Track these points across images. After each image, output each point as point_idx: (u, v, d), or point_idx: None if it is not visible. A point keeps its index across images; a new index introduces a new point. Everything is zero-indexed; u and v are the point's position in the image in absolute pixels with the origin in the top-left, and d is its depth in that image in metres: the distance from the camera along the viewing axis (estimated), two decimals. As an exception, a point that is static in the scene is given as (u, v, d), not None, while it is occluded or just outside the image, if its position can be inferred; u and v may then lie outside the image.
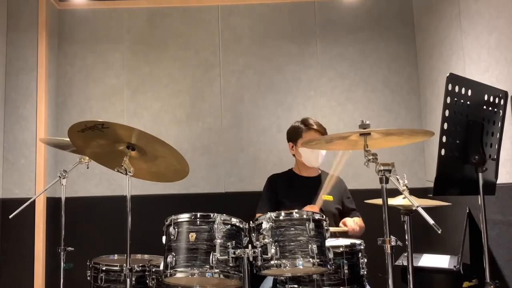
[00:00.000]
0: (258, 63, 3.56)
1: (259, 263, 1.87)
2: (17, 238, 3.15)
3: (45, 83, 3.30)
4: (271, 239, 1.87)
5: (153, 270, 2.24)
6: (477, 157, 1.75)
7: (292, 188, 2.79)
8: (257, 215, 2.17)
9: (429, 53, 3.28)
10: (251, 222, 1.98)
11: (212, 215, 1.90)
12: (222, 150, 3.49)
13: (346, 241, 2.18)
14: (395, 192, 1.88)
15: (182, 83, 3.55)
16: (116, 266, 2.31)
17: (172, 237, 1.90)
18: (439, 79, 3.12)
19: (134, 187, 2.12)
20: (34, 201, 2.78)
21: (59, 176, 2.55)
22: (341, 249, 2.06)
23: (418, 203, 1.66)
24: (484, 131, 1.80)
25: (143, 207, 3.16)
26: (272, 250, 1.85)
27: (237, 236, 1.93)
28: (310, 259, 1.84)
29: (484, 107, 1.83)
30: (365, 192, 2.41)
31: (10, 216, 2.46)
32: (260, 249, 1.87)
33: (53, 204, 3.25)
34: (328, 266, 1.90)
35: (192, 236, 1.87)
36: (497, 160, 1.88)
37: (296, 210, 1.94)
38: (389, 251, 1.76)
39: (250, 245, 1.92)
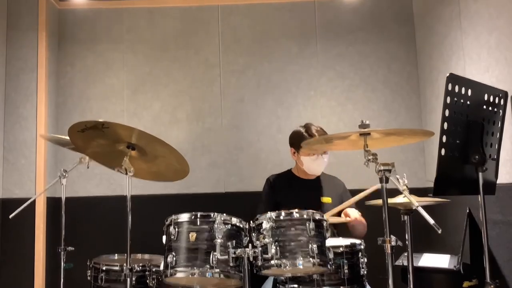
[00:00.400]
0: (258, 63, 3.56)
1: (259, 263, 1.87)
2: (17, 238, 3.15)
3: (45, 83, 3.30)
4: (271, 239, 1.87)
5: (153, 270, 2.24)
6: (477, 157, 1.75)
7: (291, 189, 2.78)
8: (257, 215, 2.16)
9: (429, 53, 3.28)
10: (251, 222, 1.98)
11: (212, 215, 1.90)
12: (222, 150, 3.49)
13: (346, 241, 2.18)
14: (395, 192, 1.89)
15: (182, 83, 3.55)
16: (116, 266, 2.31)
17: (172, 237, 1.90)
18: (439, 79, 3.12)
19: (134, 187, 2.12)
20: (34, 201, 2.77)
21: (59, 176, 2.54)
22: (341, 249, 2.06)
23: (417, 200, 1.66)
24: (484, 131, 1.80)
25: (143, 207, 3.15)
26: (272, 250, 1.85)
27: (237, 236, 1.93)
28: (310, 259, 1.84)
29: (484, 107, 1.83)
30: (365, 192, 2.43)
31: (10, 216, 2.46)
32: (260, 249, 1.87)
33: (53, 204, 3.25)
34: (328, 266, 1.90)
35: (193, 236, 1.87)
36: (497, 160, 1.89)
37: (296, 210, 1.93)
38: (389, 251, 1.76)
39: (250, 245, 1.91)
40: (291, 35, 3.57)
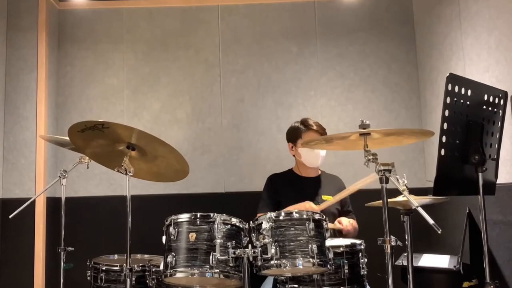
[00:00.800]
0: (258, 63, 3.56)
1: (259, 263, 1.87)
2: (17, 238, 3.15)
3: (45, 83, 3.30)
4: (271, 239, 1.87)
5: (153, 270, 2.24)
6: (477, 157, 1.74)
7: (292, 188, 2.79)
8: (258, 215, 2.17)
9: (429, 53, 3.28)
10: (251, 222, 1.98)
11: (212, 215, 1.90)
12: (222, 150, 3.49)
13: (346, 241, 2.18)
14: (395, 192, 1.88)
15: (182, 83, 3.55)
16: (116, 266, 2.31)
17: (172, 237, 1.91)
18: (439, 79, 3.12)
19: (134, 187, 2.12)
20: (34, 201, 2.78)
21: (59, 176, 2.55)
22: (341, 249, 2.06)
23: (417, 199, 1.66)
24: (484, 131, 1.80)
25: (143, 207, 3.16)
26: (272, 250, 1.85)
27: (237, 236, 1.94)
28: (310, 259, 1.84)
29: (484, 107, 1.83)
30: (365, 192, 2.41)
31: (10, 216, 2.46)
32: (260, 249, 1.87)
33: (53, 204, 3.25)
34: (328, 266, 1.90)
35: (192, 236, 1.87)
36: (497, 160, 1.88)
37: (296, 210, 1.94)
38: (389, 251, 1.76)
39: (250, 245, 1.92)
40: (291, 35, 3.57)
